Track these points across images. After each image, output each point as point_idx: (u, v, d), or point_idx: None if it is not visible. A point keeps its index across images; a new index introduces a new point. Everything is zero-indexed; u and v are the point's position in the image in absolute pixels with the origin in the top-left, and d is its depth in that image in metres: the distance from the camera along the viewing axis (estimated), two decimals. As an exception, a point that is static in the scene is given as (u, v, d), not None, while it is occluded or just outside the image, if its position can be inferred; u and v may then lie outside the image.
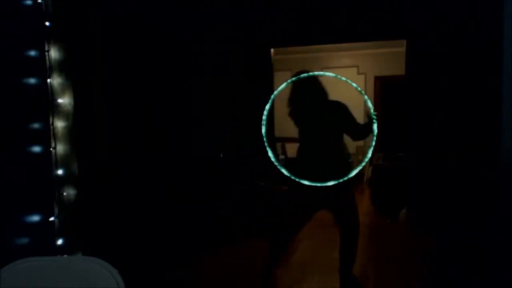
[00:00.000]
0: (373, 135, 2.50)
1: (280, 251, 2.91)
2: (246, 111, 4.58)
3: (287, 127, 3.19)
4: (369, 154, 2.53)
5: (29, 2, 2.57)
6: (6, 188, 2.43)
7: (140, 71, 3.88)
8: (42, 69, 2.62)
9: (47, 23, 2.63)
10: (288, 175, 2.50)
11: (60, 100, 2.70)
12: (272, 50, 5.16)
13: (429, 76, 4.27)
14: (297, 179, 2.49)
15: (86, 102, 2.99)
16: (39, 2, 2.60)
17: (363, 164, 2.58)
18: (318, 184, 2.47)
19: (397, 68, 6.16)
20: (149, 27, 4.00)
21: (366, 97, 2.53)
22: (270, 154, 2.51)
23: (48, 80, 2.66)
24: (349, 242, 2.77)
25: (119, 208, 3.46)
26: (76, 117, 2.76)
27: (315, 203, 2.75)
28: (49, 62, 2.65)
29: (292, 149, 6.57)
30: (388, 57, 7.50)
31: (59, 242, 2.67)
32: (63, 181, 2.73)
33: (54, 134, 2.67)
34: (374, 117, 2.49)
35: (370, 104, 2.52)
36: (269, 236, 2.95)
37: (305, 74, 2.62)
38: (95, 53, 3.25)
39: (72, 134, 2.74)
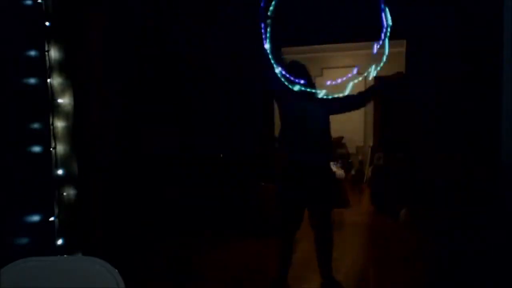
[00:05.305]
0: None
1: (287, 250, 2.93)
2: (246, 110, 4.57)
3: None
4: None
5: (29, 2, 2.57)
6: (6, 188, 2.43)
7: (140, 70, 3.88)
8: (42, 69, 2.62)
9: (47, 23, 2.63)
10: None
11: (60, 100, 2.70)
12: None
13: (429, 76, 4.27)
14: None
15: (86, 102, 2.98)
16: (39, 2, 2.59)
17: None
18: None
19: (397, 68, 6.14)
20: (148, 26, 4.00)
21: None
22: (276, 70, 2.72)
23: (48, 80, 2.65)
24: (324, 245, 2.86)
25: (119, 208, 3.46)
26: (76, 117, 2.75)
27: (300, 197, 2.80)
28: (49, 62, 2.64)
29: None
30: (388, 57, 7.48)
31: (59, 242, 2.67)
32: (63, 181, 2.72)
33: (54, 134, 2.67)
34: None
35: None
36: (275, 237, 2.99)
37: None
38: (95, 53, 3.25)
39: (72, 134, 2.74)
